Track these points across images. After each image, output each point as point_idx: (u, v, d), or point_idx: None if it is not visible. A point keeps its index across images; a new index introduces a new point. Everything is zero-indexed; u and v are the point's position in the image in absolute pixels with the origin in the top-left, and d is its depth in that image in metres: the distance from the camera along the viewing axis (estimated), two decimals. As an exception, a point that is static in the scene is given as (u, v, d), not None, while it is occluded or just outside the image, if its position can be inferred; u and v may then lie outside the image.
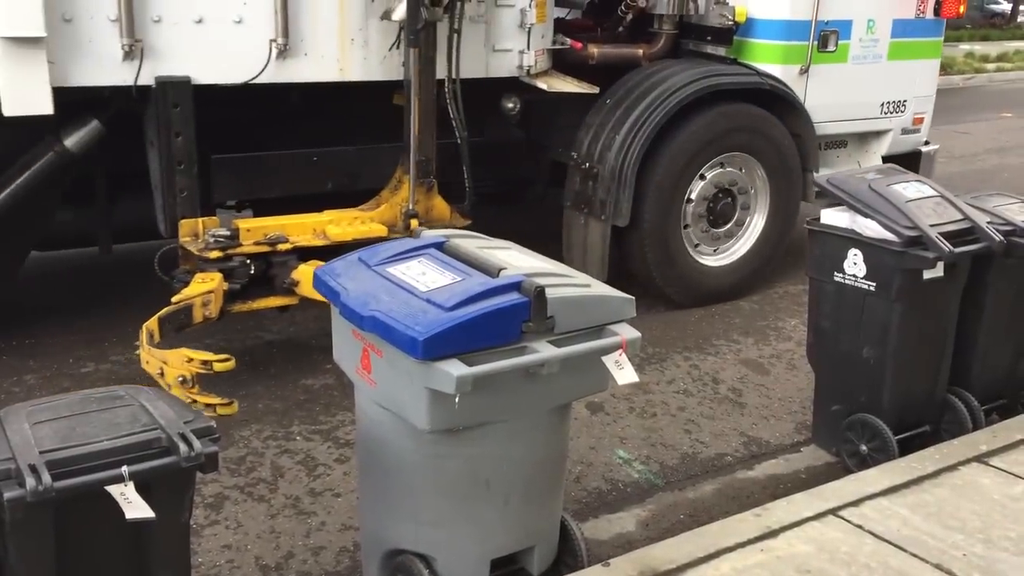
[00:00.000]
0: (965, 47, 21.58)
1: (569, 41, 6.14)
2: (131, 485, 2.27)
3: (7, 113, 4.34)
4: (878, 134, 7.04)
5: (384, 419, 3.04)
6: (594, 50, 6.13)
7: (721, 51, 6.36)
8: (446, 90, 5.40)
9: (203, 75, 4.84)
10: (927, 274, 4.02)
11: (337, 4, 5.12)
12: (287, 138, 5.48)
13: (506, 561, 3.22)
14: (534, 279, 2.95)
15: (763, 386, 5.28)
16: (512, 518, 3.16)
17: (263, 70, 4.94)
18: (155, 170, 4.95)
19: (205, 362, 4.15)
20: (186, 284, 4.74)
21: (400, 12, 5.03)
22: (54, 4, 4.35)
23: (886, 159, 7.00)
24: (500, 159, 6.14)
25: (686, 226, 6.14)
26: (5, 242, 5.00)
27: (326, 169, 5.53)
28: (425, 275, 3.05)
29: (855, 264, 4.15)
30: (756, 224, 6.48)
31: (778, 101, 6.31)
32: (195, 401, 4.01)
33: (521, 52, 5.74)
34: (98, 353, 5.26)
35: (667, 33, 6.29)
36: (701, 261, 6.31)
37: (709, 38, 6.36)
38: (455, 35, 5.30)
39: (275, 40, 4.95)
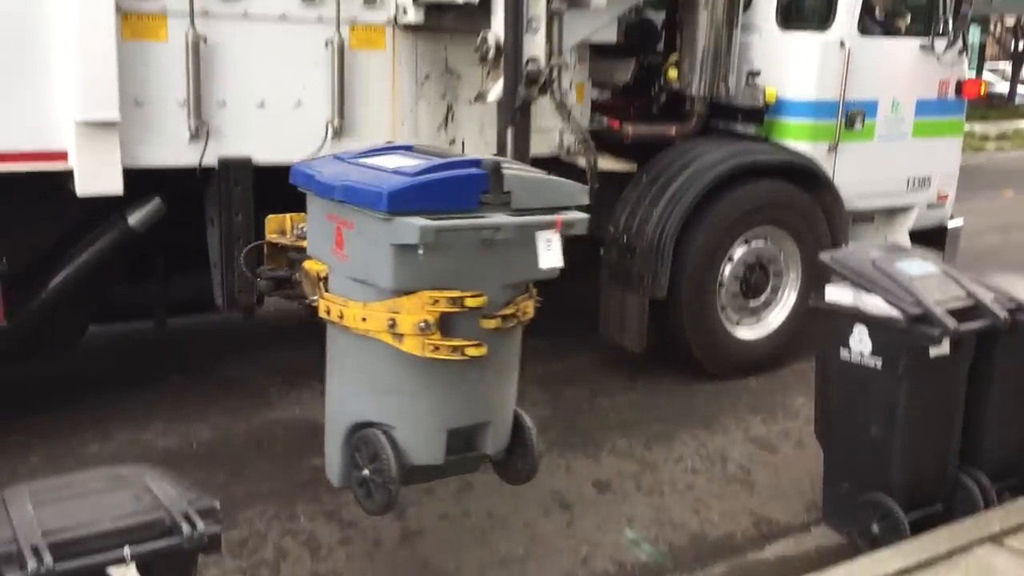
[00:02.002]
0: (964, 126, 21.11)
1: (606, 120, 6.07)
2: (132, 567, 2.19)
3: (80, 193, 4.38)
4: (905, 209, 6.82)
5: (354, 291, 3.15)
6: (629, 129, 6.04)
7: (751, 130, 6.25)
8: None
9: (263, 155, 4.85)
10: (933, 351, 3.80)
11: (389, 87, 5.14)
12: None
13: (463, 443, 3.28)
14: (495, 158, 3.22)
15: (772, 464, 5.00)
16: (468, 390, 3.21)
17: (319, 149, 4.92)
18: (214, 247, 4.95)
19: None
20: (273, 280, 4.15)
21: (495, 93, 4.94)
22: (128, 89, 4.41)
23: (913, 234, 6.82)
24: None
25: (721, 299, 5.97)
26: (66, 316, 4.99)
27: None
28: (396, 161, 3.27)
29: (860, 341, 3.94)
30: (789, 297, 6.26)
31: (808, 177, 6.15)
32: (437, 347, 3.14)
33: (561, 132, 5.69)
34: (103, 433, 5.00)
35: (699, 113, 6.18)
36: (736, 333, 6.12)
37: (740, 117, 6.26)
38: (564, 110, 5.31)
39: (331, 121, 4.98)
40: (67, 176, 4.38)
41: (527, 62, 4.82)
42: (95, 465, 4.34)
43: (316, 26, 4.83)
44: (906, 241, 6.71)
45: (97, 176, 4.39)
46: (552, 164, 5.63)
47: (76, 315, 5.09)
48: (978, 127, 20.74)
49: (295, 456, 4.83)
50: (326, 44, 4.85)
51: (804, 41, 6.23)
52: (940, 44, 6.52)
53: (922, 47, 6.51)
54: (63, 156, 4.36)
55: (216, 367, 5.91)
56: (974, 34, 27.52)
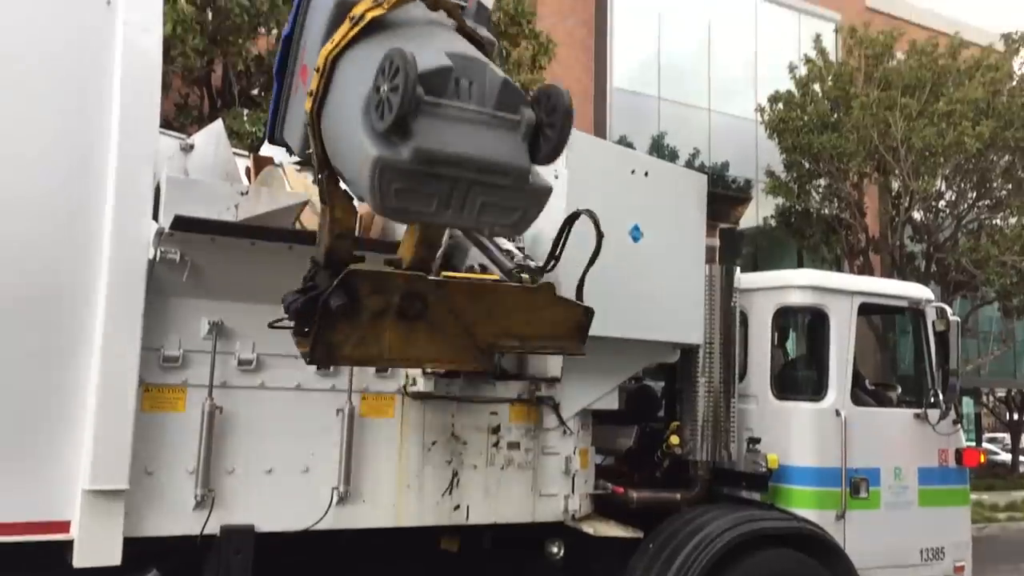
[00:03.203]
0: (972, 496, 20.98)
1: (611, 486, 6.06)
2: None
3: (77, 564, 4.24)
4: (925, 583, 6.66)
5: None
6: (634, 495, 6.03)
7: (757, 496, 6.23)
8: None
9: (266, 522, 4.76)
10: None
11: (396, 453, 5.16)
12: None
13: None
14: None
15: None
16: None
17: (323, 517, 4.86)
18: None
19: None
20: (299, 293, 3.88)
21: None
22: (140, 458, 4.40)
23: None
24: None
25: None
26: None
27: None
28: None
29: None
30: (816, 673, 5.89)
31: (819, 546, 6.02)
32: None
33: (566, 497, 5.66)
34: None
35: (703, 478, 6.21)
36: None
37: (744, 484, 6.27)
38: None
39: (337, 487, 4.93)
40: (64, 544, 4.27)
41: None
42: None
43: (329, 395, 4.97)
44: (930, 620, 6.44)
45: (97, 547, 4.28)
46: (555, 529, 5.58)
47: None
48: (986, 496, 20.55)
49: None
50: (337, 412, 4.97)
51: (800, 410, 6.41)
52: (933, 414, 6.68)
53: (916, 416, 6.68)
54: (65, 526, 4.27)
55: None
56: (968, 404, 28.18)
